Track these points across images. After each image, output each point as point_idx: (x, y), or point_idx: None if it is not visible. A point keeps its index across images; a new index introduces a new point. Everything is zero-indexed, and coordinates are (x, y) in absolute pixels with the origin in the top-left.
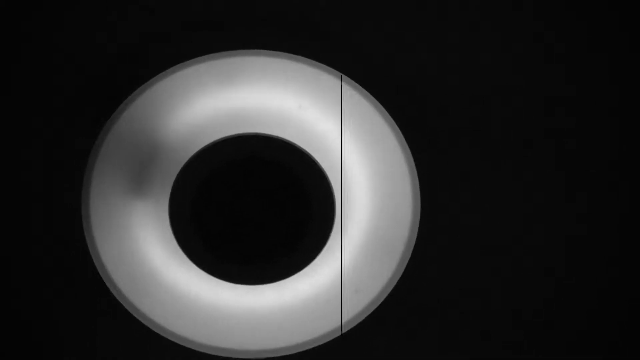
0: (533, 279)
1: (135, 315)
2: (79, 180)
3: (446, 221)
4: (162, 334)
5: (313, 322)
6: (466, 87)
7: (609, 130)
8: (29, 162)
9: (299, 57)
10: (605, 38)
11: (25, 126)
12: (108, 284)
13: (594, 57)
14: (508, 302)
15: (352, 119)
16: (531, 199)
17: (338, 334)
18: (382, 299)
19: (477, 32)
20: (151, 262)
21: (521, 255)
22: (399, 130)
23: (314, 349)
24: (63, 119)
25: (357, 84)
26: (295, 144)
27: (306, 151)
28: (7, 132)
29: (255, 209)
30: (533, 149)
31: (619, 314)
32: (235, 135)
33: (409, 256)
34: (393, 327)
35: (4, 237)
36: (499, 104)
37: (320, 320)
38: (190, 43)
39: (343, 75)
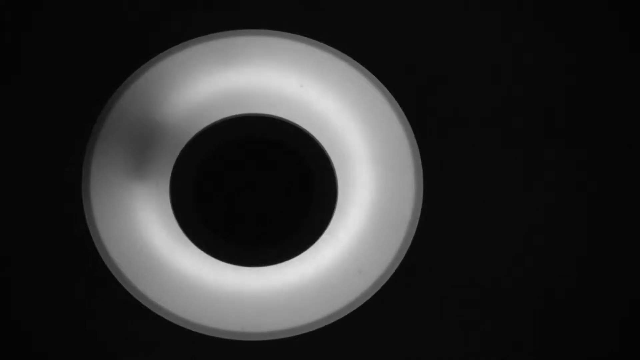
0: (542, 258)
1: (136, 297)
2: (79, 162)
3: (450, 200)
4: (163, 316)
5: (316, 304)
6: (470, 68)
7: (608, 131)
8: (29, 142)
9: (301, 36)
10: (605, 38)
11: (25, 106)
12: (109, 266)
13: (593, 57)
14: (516, 281)
15: (353, 98)
16: (541, 177)
17: (341, 315)
18: (386, 279)
19: (479, 20)
20: (152, 244)
21: (529, 232)
22: (400, 109)
23: (317, 330)
24: (63, 100)
25: (358, 64)
26: (296, 123)
27: (307, 131)
28: (4, 113)
29: (257, 190)
30: (543, 131)
31: (620, 315)
32: (236, 115)
33: (412, 235)
34: (397, 308)
35: (1, 217)
36: (500, 89)
37: (324, 302)
38: (191, 23)
39: (344, 54)
